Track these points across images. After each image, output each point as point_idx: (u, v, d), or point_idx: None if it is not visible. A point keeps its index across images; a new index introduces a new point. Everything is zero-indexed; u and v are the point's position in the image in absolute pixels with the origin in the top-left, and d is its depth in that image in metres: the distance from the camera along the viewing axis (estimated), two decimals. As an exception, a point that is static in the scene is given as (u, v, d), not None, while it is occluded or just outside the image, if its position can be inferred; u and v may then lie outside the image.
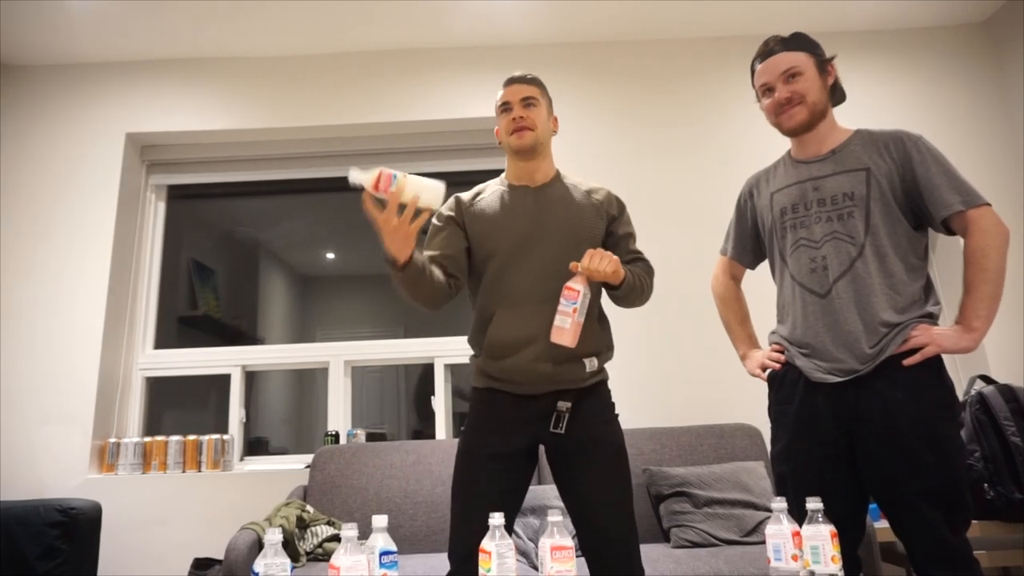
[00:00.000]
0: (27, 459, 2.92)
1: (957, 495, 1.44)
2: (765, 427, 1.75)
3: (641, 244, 3.13)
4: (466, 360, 1.99)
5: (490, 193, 1.74)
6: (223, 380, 3.27)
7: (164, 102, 3.39)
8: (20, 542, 2.46)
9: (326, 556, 2.34)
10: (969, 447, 2.36)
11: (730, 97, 3.42)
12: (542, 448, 1.64)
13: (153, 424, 3.29)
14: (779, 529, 1.30)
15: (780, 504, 1.32)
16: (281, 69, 3.45)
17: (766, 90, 1.67)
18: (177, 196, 3.60)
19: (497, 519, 1.24)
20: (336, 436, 3.10)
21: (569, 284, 1.52)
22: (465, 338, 2.33)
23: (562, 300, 1.51)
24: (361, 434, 3.12)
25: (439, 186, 1.43)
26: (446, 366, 3.26)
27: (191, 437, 3.01)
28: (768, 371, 1.71)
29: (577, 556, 1.38)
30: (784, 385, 1.65)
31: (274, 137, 3.49)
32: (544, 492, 2.48)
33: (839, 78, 1.68)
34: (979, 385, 2.50)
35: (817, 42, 1.67)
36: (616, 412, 1.66)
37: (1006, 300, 3.06)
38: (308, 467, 2.83)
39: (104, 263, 3.14)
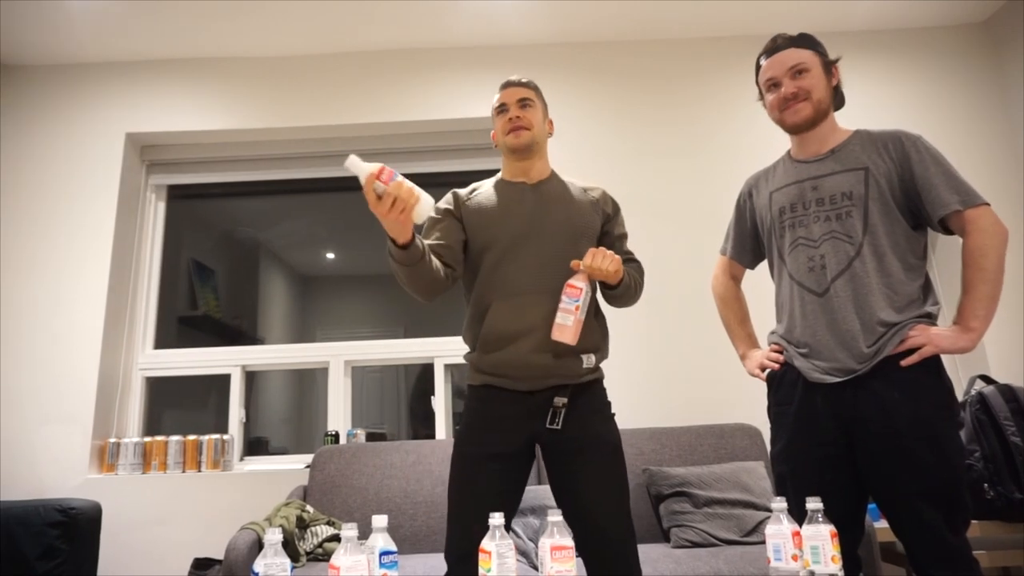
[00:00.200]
0: (27, 459, 2.92)
1: (956, 495, 1.44)
2: (765, 427, 1.75)
3: (641, 244, 3.17)
4: (466, 360, 1.99)
5: (487, 188, 1.75)
6: (223, 380, 3.27)
7: (164, 102, 3.39)
8: (20, 542, 2.46)
9: (326, 556, 2.34)
10: (969, 447, 2.37)
11: (730, 97, 3.42)
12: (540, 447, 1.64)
13: (153, 424, 3.29)
14: (779, 529, 1.30)
15: (780, 504, 1.32)
16: (281, 69, 3.45)
17: (771, 85, 1.67)
18: (177, 196, 3.60)
19: (497, 519, 1.24)
20: (336, 436, 3.10)
21: (571, 282, 1.53)
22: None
23: (564, 298, 1.52)
24: (361, 434, 3.12)
25: (431, 201, 1.44)
26: (446, 366, 3.26)
27: (191, 437, 3.02)
28: (767, 371, 1.72)
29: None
30: (783, 385, 1.65)
31: (274, 137, 3.49)
32: (544, 492, 2.48)
33: (841, 82, 1.69)
34: (979, 385, 2.50)
35: (823, 45, 1.68)
36: (612, 411, 1.66)
37: (1006, 300, 3.06)
38: (308, 467, 2.83)
39: (104, 263, 3.14)
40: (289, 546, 2.26)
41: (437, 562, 2.22)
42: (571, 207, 1.69)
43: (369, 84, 3.43)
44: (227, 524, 2.85)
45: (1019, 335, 3.09)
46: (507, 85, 1.75)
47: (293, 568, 1.52)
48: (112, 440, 2.98)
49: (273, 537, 1.20)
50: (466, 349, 1.72)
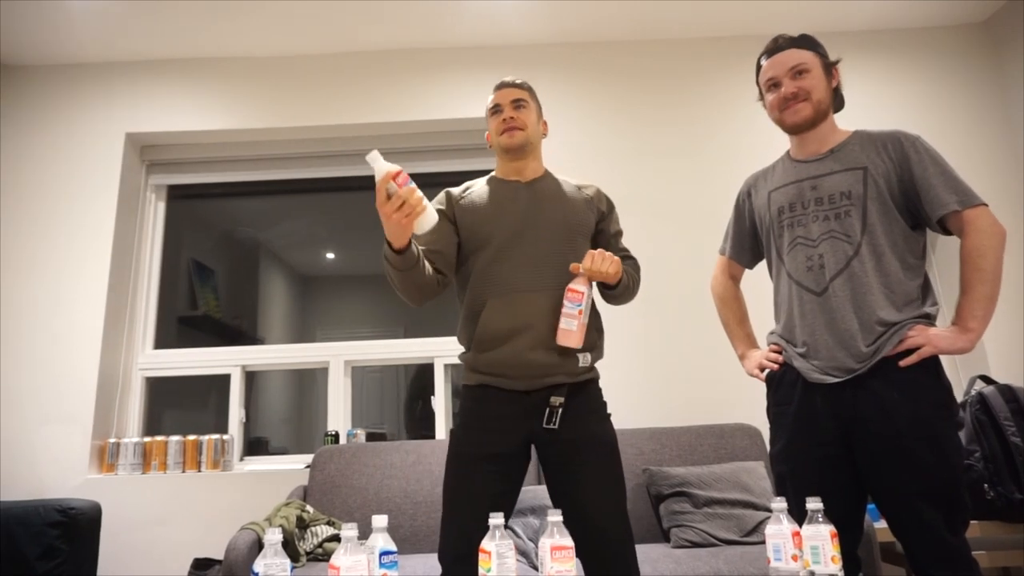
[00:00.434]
0: (27, 459, 2.92)
1: (956, 495, 1.44)
2: (765, 427, 1.75)
3: (641, 244, 3.17)
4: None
5: (481, 186, 1.75)
6: (223, 380, 3.27)
7: (164, 102, 3.39)
8: (20, 542, 2.46)
9: (326, 556, 2.34)
10: (969, 447, 2.36)
11: (730, 97, 3.42)
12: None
13: (153, 424, 3.29)
14: (779, 529, 1.30)
15: (780, 504, 1.32)
16: (281, 69, 3.45)
17: (772, 85, 1.67)
18: (177, 196, 3.60)
19: (497, 519, 1.24)
20: (336, 436, 3.10)
21: (572, 286, 1.53)
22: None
23: (567, 302, 1.52)
24: (361, 434, 3.12)
25: (435, 217, 1.45)
26: (446, 366, 3.26)
27: (191, 437, 3.02)
28: (766, 371, 1.72)
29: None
30: (783, 385, 1.65)
31: (274, 137, 3.49)
32: (544, 492, 2.48)
33: (841, 84, 1.69)
34: (979, 385, 2.50)
35: (824, 46, 1.69)
36: (608, 411, 1.66)
37: (1006, 300, 3.06)
38: (308, 467, 2.83)
39: (104, 263, 3.14)
40: (289, 546, 2.26)
41: (437, 562, 2.22)
42: (565, 205, 1.69)
43: (369, 84, 3.43)
44: (227, 524, 2.85)
45: (1019, 335, 3.09)
46: (501, 86, 1.76)
47: (293, 568, 1.52)
48: (112, 440, 2.98)
49: (273, 537, 1.20)
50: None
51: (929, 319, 1.54)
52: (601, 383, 1.71)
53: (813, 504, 1.31)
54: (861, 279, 1.54)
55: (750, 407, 2.95)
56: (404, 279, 1.54)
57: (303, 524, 2.40)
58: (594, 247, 1.74)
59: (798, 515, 1.39)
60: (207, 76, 3.43)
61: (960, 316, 1.50)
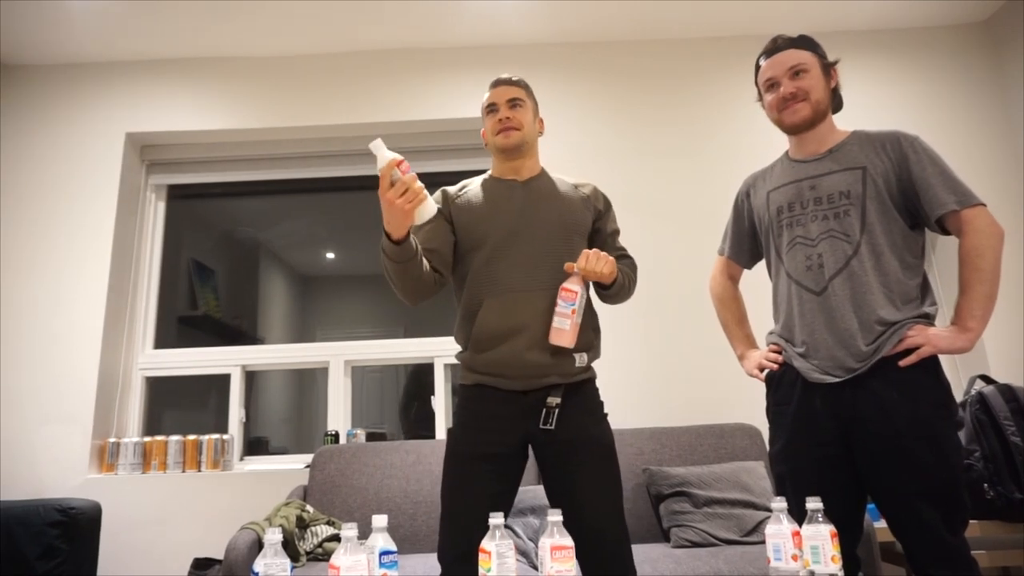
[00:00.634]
0: (27, 459, 2.92)
1: (955, 495, 1.44)
2: (765, 427, 1.75)
3: (641, 244, 3.17)
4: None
5: (477, 185, 1.75)
6: (223, 380, 3.27)
7: (164, 102, 3.39)
8: (20, 542, 2.46)
9: (326, 556, 2.35)
10: (969, 447, 2.37)
11: (730, 97, 3.42)
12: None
13: (153, 424, 3.29)
14: (779, 529, 1.30)
15: (780, 504, 1.32)
16: (281, 69, 3.45)
17: (770, 85, 1.68)
18: (177, 196, 3.60)
19: (497, 519, 1.24)
20: (336, 436, 3.10)
21: (566, 285, 1.52)
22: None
23: (560, 302, 1.52)
24: (361, 434, 3.12)
25: (435, 208, 1.46)
26: (446, 366, 3.26)
27: (191, 437, 3.01)
28: (766, 371, 1.72)
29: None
30: (782, 385, 1.65)
31: (274, 137, 3.49)
32: (544, 492, 2.48)
33: (839, 85, 1.70)
34: (979, 385, 2.50)
35: (823, 47, 1.69)
36: (605, 412, 1.66)
37: (1006, 300, 3.06)
38: (308, 467, 2.83)
39: (104, 263, 3.14)
40: (289, 546, 2.26)
41: (436, 562, 2.21)
42: (562, 204, 1.68)
43: (369, 84, 3.43)
44: (227, 524, 2.85)
45: (1019, 335, 3.09)
46: (497, 83, 1.74)
47: (293, 568, 1.52)
48: (112, 440, 2.98)
49: (273, 537, 1.20)
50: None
51: (928, 318, 1.55)
52: (601, 383, 1.71)
53: (813, 504, 1.31)
54: (860, 278, 1.55)
55: (750, 407, 2.95)
56: (401, 272, 1.53)
57: (303, 524, 2.40)
58: (591, 246, 1.73)
59: (798, 515, 1.39)
60: (207, 76, 3.43)
61: (959, 316, 1.50)
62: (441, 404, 3.22)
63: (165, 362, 3.27)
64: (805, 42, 1.67)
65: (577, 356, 1.60)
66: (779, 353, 1.67)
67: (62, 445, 2.93)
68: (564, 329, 1.50)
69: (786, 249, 1.66)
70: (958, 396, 2.62)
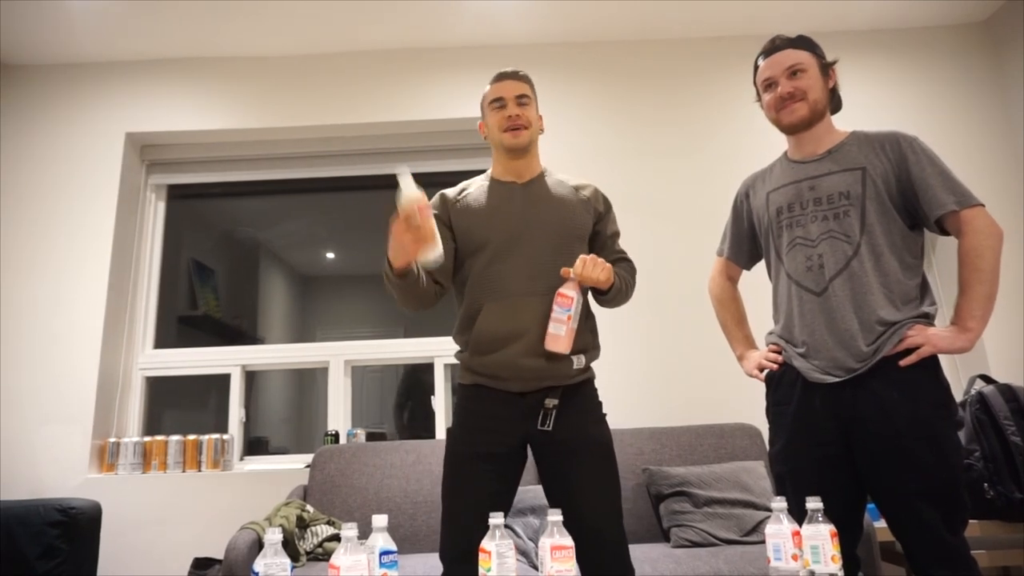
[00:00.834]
0: (27, 459, 2.92)
1: (955, 494, 1.44)
2: (765, 427, 1.75)
3: (641, 244, 3.17)
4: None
5: (476, 188, 1.74)
6: (223, 380, 3.27)
7: (164, 102, 3.39)
8: (20, 542, 2.46)
9: (326, 556, 2.35)
10: (969, 447, 2.37)
11: (730, 97, 3.42)
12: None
13: (153, 424, 3.29)
14: (779, 529, 1.30)
15: (780, 504, 1.32)
16: (281, 69, 3.45)
17: (768, 85, 1.68)
18: (177, 196, 3.60)
19: (497, 519, 1.24)
20: (336, 436, 3.10)
21: (562, 291, 1.52)
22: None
23: (556, 307, 1.51)
24: (361, 434, 3.12)
25: (441, 255, 1.46)
26: (446, 366, 3.26)
27: (191, 437, 3.01)
28: (766, 371, 1.72)
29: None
30: (782, 385, 1.65)
31: (274, 137, 3.49)
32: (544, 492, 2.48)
33: (838, 85, 1.70)
34: (979, 385, 2.50)
35: (821, 47, 1.69)
36: (604, 412, 1.66)
37: (1006, 300, 3.06)
38: (308, 467, 2.83)
39: (104, 263, 3.14)
40: (289, 546, 2.26)
41: (437, 562, 2.22)
42: (562, 208, 1.67)
43: (369, 84, 3.43)
44: (227, 524, 2.85)
45: (1019, 335, 3.09)
46: (502, 77, 1.71)
47: (293, 568, 1.52)
48: (112, 440, 2.98)
49: (273, 537, 1.20)
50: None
51: (928, 318, 1.55)
52: (601, 383, 1.71)
53: (813, 504, 1.31)
54: (861, 279, 1.55)
55: (750, 407, 2.95)
56: (402, 292, 1.56)
57: (303, 524, 2.40)
58: (590, 249, 1.73)
59: (798, 515, 1.39)
60: (207, 76, 3.43)
61: (959, 316, 1.51)
62: (441, 404, 3.22)
63: (165, 362, 3.27)
64: (803, 42, 1.67)
65: (575, 358, 1.60)
66: (779, 353, 1.67)
67: (62, 445, 2.93)
68: (560, 335, 1.50)
69: (786, 250, 1.66)
70: (958, 396, 2.62)
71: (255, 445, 3.36)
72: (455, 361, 3.21)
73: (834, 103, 1.70)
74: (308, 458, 3.06)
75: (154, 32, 3.24)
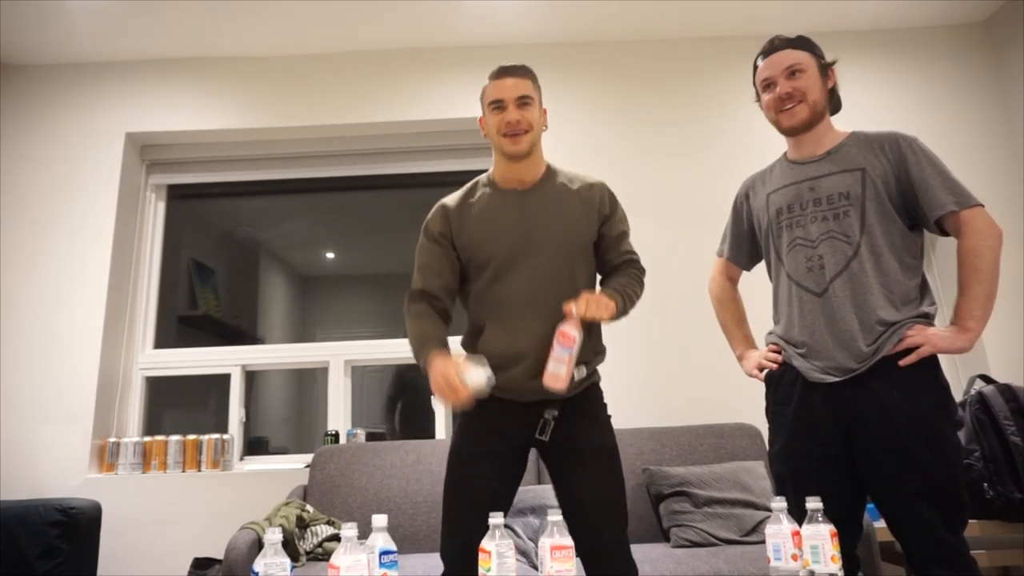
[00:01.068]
0: (27, 459, 2.92)
1: (955, 494, 1.44)
2: (765, 427, 1.75)
3: (641, 244, 3.14)
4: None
5: (478, 199, 1.67)
6: (223, 380, 3.27)
7: (164, 102, 3.39)
8: (20, 542, 2.46)
9: (326, 556, 2.35)
10: (969, 447, 2.37)
11: (730, 97, 3.42)
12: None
13: (153, 424, 3.29)
14: (779, 529, 1.31)
15: (780, 504, 1.32)
16: (281, 69, 3.45)
17: (767, 85, 1.68)
18: (177, 196, 3.60)
19: (497, 519, 1.24)
20: (336, 436, 3.10)
21: (564, 330, 1.48)
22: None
23: (557, 347, 1.48)
24: (361, 434, 3.12)
25: (483, 382, 1.49)
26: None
27: (191, 437, 3.01)
28: (765, 371, 1.72)
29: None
30: (782, 385, 1.65)
31: (274, 137, 3.49)
32: (543, 492, 2.48)
33: (837, 85, 1.69)
34: (979, 385, 2.50)
35: (820, 47, 1.69)
36: (608, 413, 1.65)
37: (1005, 300, 3.06)
38: (308, 467, 2.83)
39: (104, 263, 3.14)
40: (289, 546, 2.26)
41: (437, 562, 2.22)
42: (563, 220, 1.61)
43: (369, 84, 3.43)
44: (227, 524, 2.85)
45: (1019, 335, 3.09)
46: (502, 74, 1.64)
47: (293, 568, 1.52)
48: (112, 440, 2.98)
49: (273, 537, 1.20)
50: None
51: (928, 318, 1.55)
52: (602, 383, 1.70)
53: (813, 504, 1.31)
54: (861, 279, 1.55)
55: (750, 407, 2.95)
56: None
57: (303, 524, 2.40)
58: (596, 251, 1.70)
59: (798, 515, 1.39)
60: (207, 76, 3.43)
61: (958, 316, 1.51)
62: (441, 404, 3.22)
63: (165, 362, 3.27)
64: (802, 42, 1.67)
65: (576, 371, 1.56)
66: (778, 353, 1.67)
67: (62, 445, 2.93)
68: (559, 374, 1.48)
69: (786, 250, 1.66)
70: (958, 396, 2.62)
71: (255, 445, 3.36)
72: (455, 361, 3.24)
73: (833, 103, 1.70)
74: (308, 458, 3.06)
75: (154, 32, 3.24)
